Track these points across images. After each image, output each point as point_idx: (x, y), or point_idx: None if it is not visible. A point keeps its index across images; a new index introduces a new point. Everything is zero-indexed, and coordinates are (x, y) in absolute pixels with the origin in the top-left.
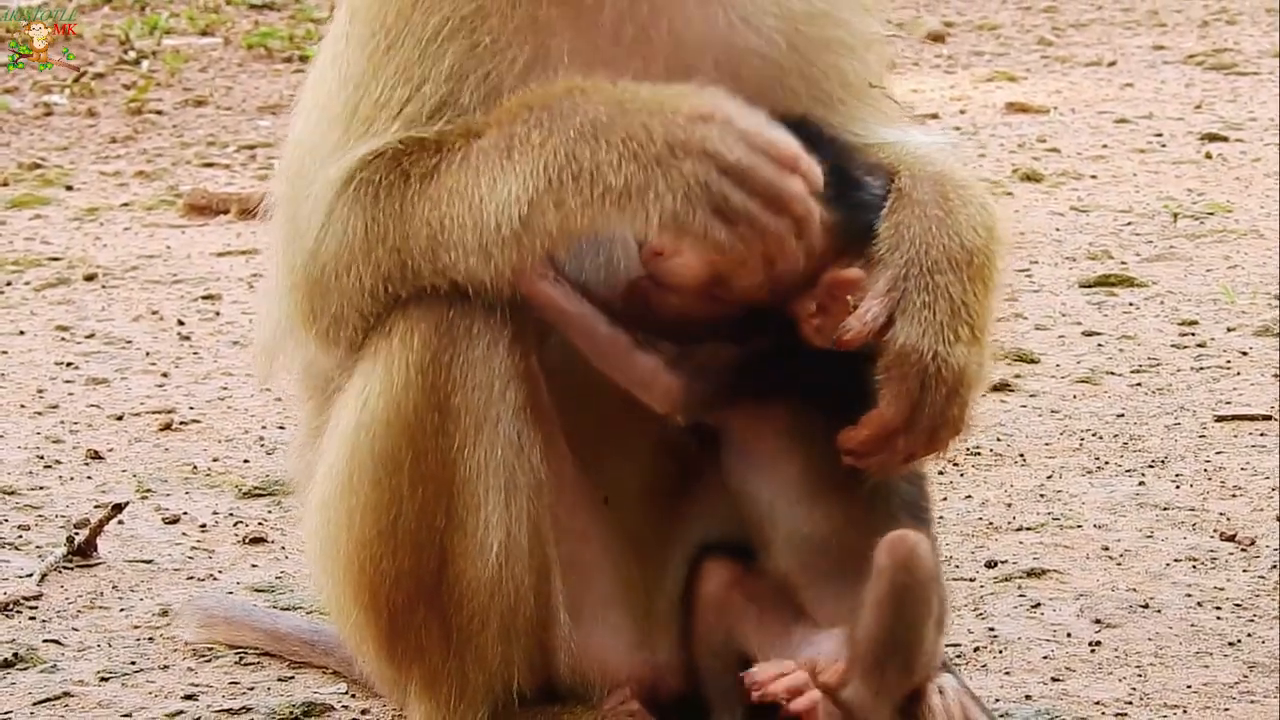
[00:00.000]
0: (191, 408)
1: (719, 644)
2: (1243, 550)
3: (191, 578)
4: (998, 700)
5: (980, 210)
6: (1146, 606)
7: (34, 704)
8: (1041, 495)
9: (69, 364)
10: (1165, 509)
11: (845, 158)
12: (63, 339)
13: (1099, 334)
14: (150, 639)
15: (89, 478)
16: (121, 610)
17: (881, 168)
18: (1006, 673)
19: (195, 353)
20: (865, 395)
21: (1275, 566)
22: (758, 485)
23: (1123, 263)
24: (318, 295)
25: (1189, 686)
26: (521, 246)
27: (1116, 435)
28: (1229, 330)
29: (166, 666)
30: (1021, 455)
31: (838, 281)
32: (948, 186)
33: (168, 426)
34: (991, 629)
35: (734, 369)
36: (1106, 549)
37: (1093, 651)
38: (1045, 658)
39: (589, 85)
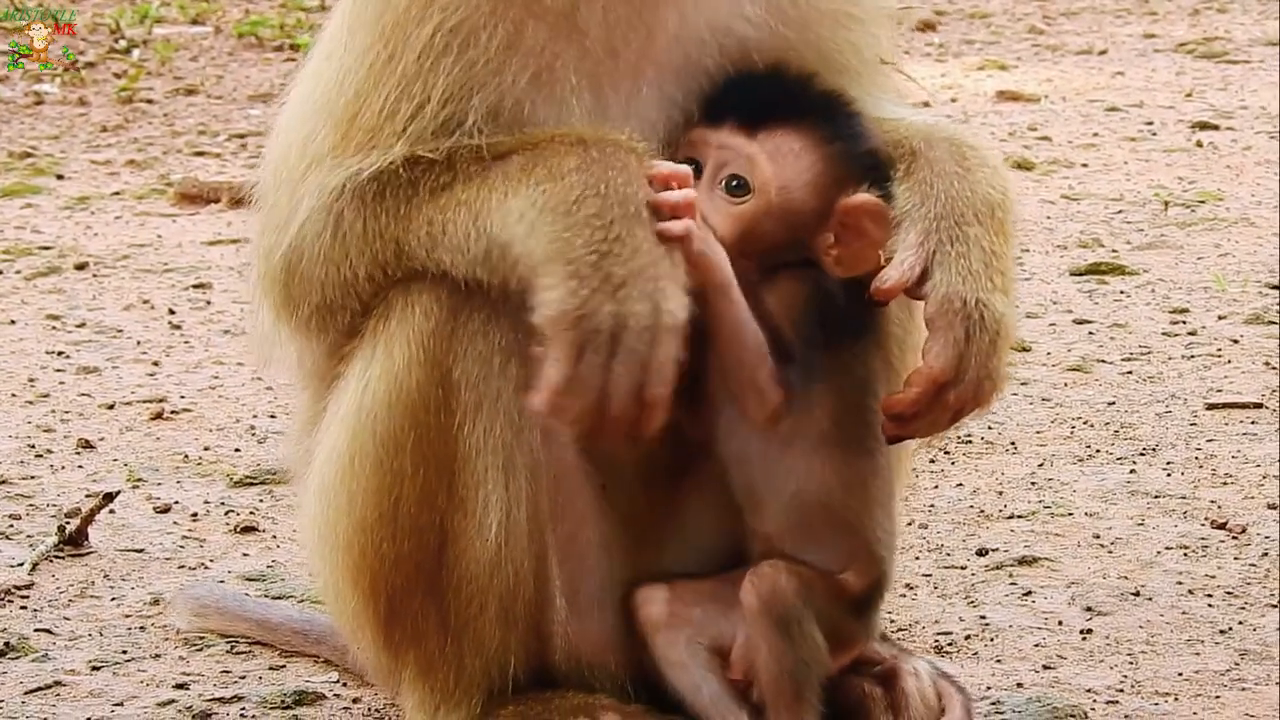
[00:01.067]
0: (183, 397)
1: (681, 658)
2: (1234, 538)
3: (183, 567)
4: (989, 688)
5: (994, 170)
6: (1138, 594)
7: (25, 693)
8: (1033, 483)
9: (60, 353)
10: (1156, 497)
11: (823, 91)
12: (54, 328)
13: (1090, 322)
14: (141, 628)
15: (80, 467)
16: (113, 599)
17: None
18: (998, 660)
19: (186, 342)
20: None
21: (1266, 554)
22: (759, 446)
23: (1114, 251)
24: (302, 286)
25: (1180, 674)
26: (508, 263)
27: (1108, 423)
28: (1220, 318)
29: (158, 655)
30: (1013, 443)
31: (849, 209)
32: (960, 147)
33: (159, 415)
34: (983, 617)
35: (805, 346)
36: (1098, 537)
37: (1084, 639)
38: (1036, 645)
39: (621, 146)
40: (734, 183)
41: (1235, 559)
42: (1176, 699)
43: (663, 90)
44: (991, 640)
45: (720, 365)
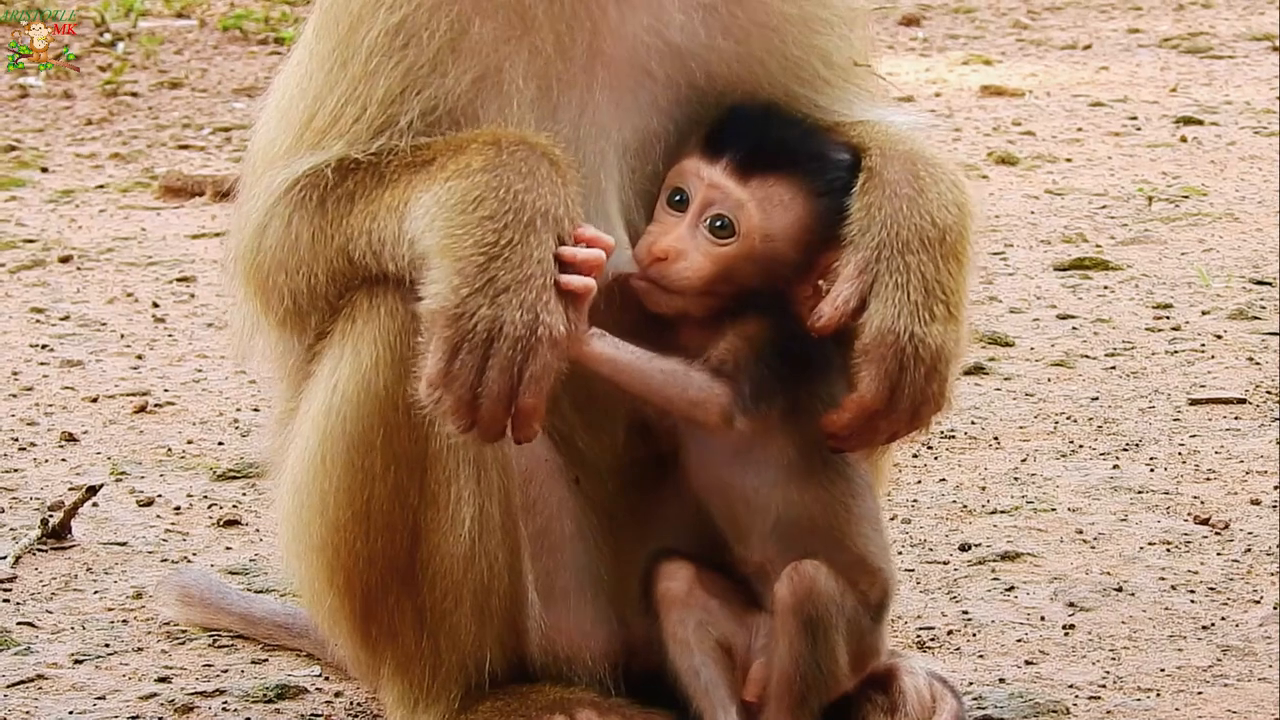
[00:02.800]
0: (166, 390)
1: (689, 638)
2: (1216, 534)
3: (165, 560)
4: (971, 683)
5: (951, 188)
6: (1120, 590)
7: (7, 686)
8: (1015, 478)
9: (44, 346)
10: (1139, 492)
11: (820, 142)
12: (38, 321)
13: (1073, 317)
14: (124, 621)
15: (63, 460)
16: (95, 592)
17: (851, 146)
18: (980, 656)
19: (170, 335)
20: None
21: (1249, 550)
22: (742, 475)
23: (1097, 246)
24: (270, 289)
25: (1162, 670)
26: (415, 256)
27: (1091, 419)
28: (1203, 314)
29: (140, 649)
30: (996, 438)
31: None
32: (918, 164)
33: (142, 409)
34: (965, 612)
35: (759, 362)
36: (1080, 532)
37: (1066, 635)
38: (1019, 641)
39: (533, 145)
40: (719, 223)
41: (1218, 554)
42: (1158, 695)
43: (615, 92)
44: (974, 635)
45: (651, 406)
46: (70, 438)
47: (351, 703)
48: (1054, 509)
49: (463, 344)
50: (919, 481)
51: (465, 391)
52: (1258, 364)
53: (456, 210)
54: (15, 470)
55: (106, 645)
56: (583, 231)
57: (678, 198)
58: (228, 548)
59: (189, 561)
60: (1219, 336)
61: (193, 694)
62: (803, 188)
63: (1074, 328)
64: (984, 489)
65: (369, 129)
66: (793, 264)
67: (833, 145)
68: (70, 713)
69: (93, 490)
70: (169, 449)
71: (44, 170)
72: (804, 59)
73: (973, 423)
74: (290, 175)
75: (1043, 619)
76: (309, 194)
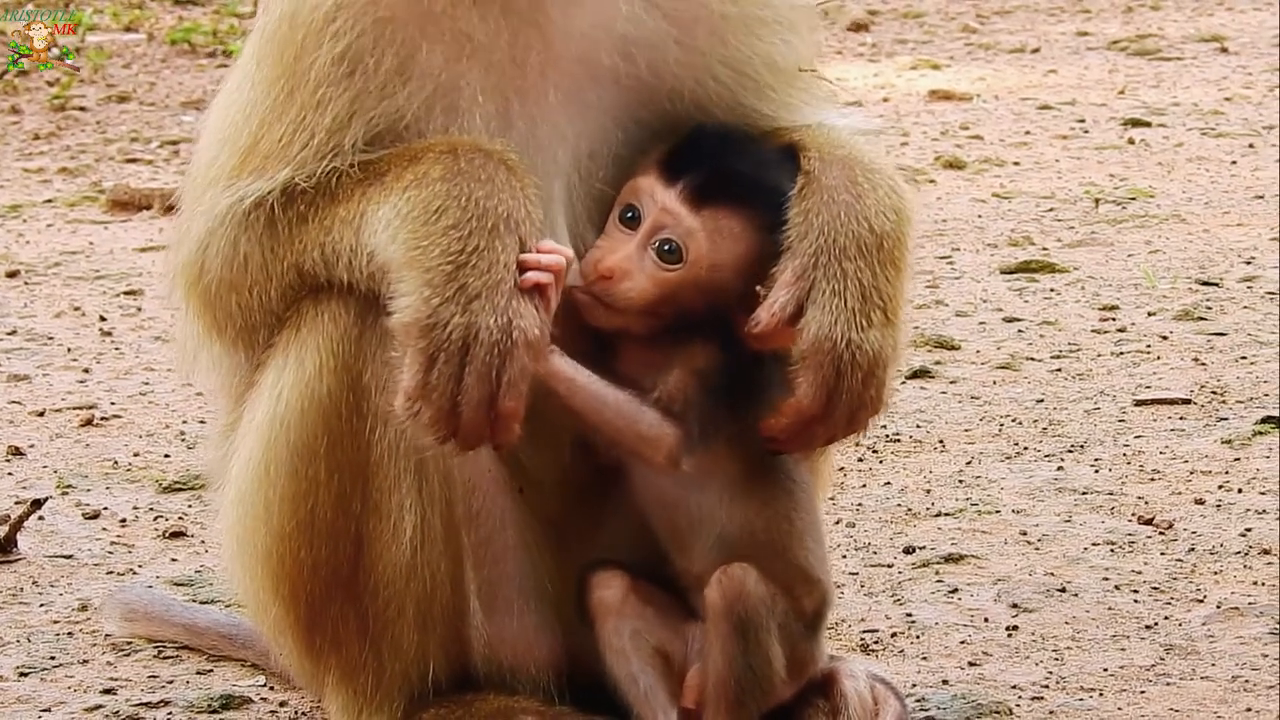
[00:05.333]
0: (113, 403)
1: (625, 646)
2: (1160, 534)
3: (111, 572)
4: (914, 685)
5: (889, 193)
6: (1064, 590)
7: None
8: (960, 481)
9: None
10: (1084, 493)
11: (775, 174)
12: None
13: (1020, 320)
14: (69, 634)
15: (10, 474)
16: (41, 605)
17: (791, 153)
18: (924, 658)
19: (117, 348)
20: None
21: (1193, 549)
22: (686, 492)
23: (1044, 249)
24: (219, 309)
25: (1105, 670)
26: (377, 270)
27: (1036, 420)
28: (1149, 315)
29: (85, 661)
30: (941, 441)
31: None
32: (856, 170)
33: (89, 422)
34: (909, 614)
35: (707, 398)
36: (1025, 534)
37: (1010, 636)
38: (962, 642)
39: (489, 152)
40: (667, 248)
41: (1162, 554)
42: (1101, 694)
43: (567, 94)
44: (917, 638)
45: (599, 435)
46: (17, 451)
47: (296, 712)
48: (998, 511)
49: (439, 354)
50: (864, 485)
51: (445, 401)
52: (1203, 364)
53: (419, 221)
54: None
55: (52, 658)
56: (543, 245)
57: (630, 215)
58: (174, 559)
59: (135, 574)
60: (1165, 338)
61: (138, 705)
62: (754, 221)
63: (1020, 330)
64: (929, 492)
65: (315, 155)
66: (737, 293)
67: (786, 178)
68: None
69: (38, 503)
70: (115, 461)
71: None
72: (747, 60)
73: (918, 426)
74: (234, 198)
75: (986, 620)
76: (255, 216)
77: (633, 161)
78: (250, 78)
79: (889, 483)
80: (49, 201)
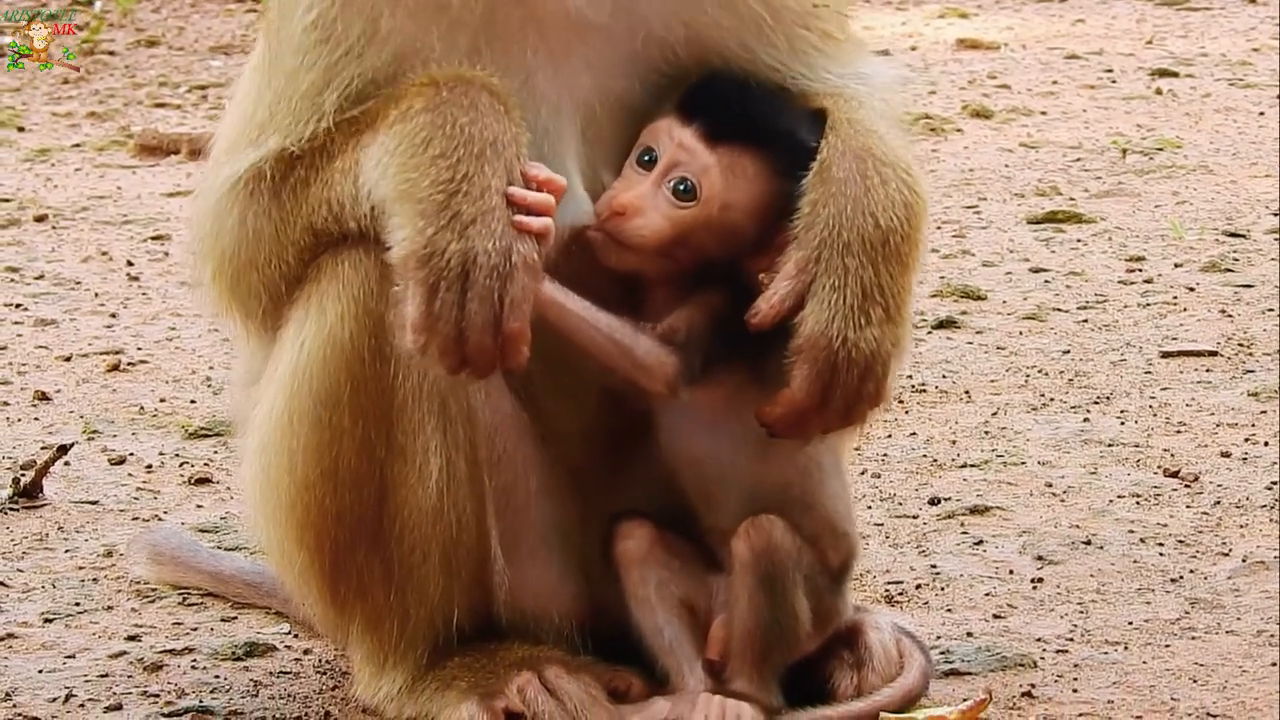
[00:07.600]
0: (139, 348)
1: (650, 597)
2: (1186, 486)
3: (137, 519)
4: (939, 637)
5: (900, 188)
6: (1089, 543)
7: None
8: (986, 432)
9: (18, 305)
10: (1109, 445)
11: (793, 121)
12: (12, 280)
13: (1046, 270)
14: (95, 580)
15: (36, 419)
16: (66, 551)
17: (815, 114)
18: (948, 610)
19: (144, 293)
20: None
21: (1219, 502)
22: (716, 446)
23: (1071, 199)
24: (245, 290)
25: (1130, 623)
26: (373, 208)
27: (1062, 372)
28: (1176, 266)
29: (110, 607)
30: (967, 392)
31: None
32: (869, 163)
33: (115, 367)
34: (934, 566)
35: (713, 335)
36: (1050, 485)
37: (1034, 588)
38: (987, 594)
39: (470, 79)
40: (682, 186)
41: (1187, 507)
42: (1126, 648)
43: (556, 55)
44: (942, 589)
45: (597, 361)
46: (43, 396)
47: (320, 660)
48: (1024, 462)
49: (439, 283)
50: (889, 436)
51: (450, 329)
52: (1230, 316)
53: (406, 154)
54: None
55: (77, 604)
56: (535, 172)
57: (647, 157)
58: (199, 506)
59: (160, 520)
60: (1191, 289)
61: (162, 652)
62: (768, 163)
63: (1046, 281)
64: (954, 443)
65: (298, 120)
66: (748, 238)
67: (804, 126)
68: (40, 671)
69: (64, 449)
70: (141, 407)
71: (20, 129)
72: (748, 8)
73: (944, 376)
74: (234, 171)
75: (1011, 572)
76: (256, 187)
77: (637, 116)
78: (259, 53)
79: (914, 433)
80: (77, 146)
